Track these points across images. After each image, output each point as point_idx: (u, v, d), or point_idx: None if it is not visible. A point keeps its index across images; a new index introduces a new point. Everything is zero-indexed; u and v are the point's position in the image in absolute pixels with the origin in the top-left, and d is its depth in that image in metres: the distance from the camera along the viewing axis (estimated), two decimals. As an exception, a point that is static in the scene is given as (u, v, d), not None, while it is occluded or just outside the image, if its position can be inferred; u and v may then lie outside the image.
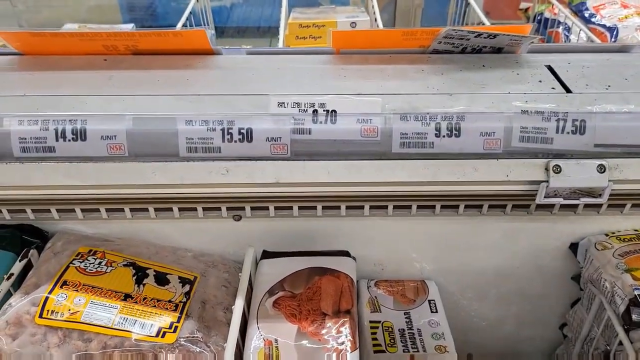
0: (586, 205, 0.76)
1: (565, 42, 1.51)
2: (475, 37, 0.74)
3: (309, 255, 0.75)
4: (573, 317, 0.87)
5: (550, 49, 0.80)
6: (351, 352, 0.63)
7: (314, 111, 0.64)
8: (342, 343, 0.64)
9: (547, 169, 0.65)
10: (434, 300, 0.81)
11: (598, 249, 0.77)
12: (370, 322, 0.77)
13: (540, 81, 0.70)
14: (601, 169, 0.64)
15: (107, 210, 0.75)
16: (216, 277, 0.74)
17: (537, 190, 0.67)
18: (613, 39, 1.43)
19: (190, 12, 1.35)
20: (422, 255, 0.83)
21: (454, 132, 0.64)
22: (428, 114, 0.64)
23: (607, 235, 0.80)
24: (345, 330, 0.65)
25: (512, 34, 0.75)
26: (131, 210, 0.75)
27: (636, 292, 0.70)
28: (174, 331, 0.63)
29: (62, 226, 0.77)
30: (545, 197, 0.67)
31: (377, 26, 1.40)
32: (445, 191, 0.69)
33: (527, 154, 0.65)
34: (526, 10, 1.78)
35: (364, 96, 0.65)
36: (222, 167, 0.64)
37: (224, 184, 0.65)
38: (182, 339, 0.63)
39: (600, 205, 0.76)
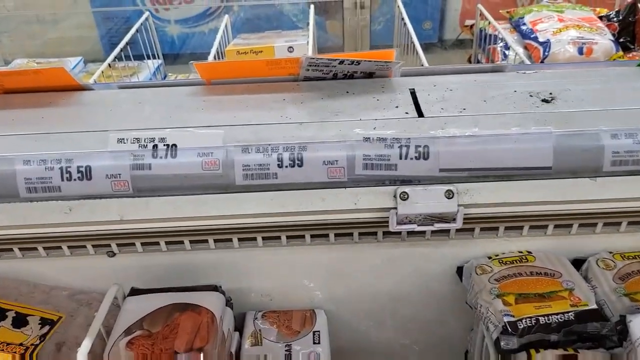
0: (463, 230, 0.74)
1: (502, 59, 1.51)
2: (339, 64, 0.74)
3: (177, 291, 0.74)
4: (470, 343, 0.84)
5: (421, 72, 0.79)
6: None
7: (154, 146, 0.63)
8: (191, 382, 0.62)
9: (395, 196, 0.64)
10: (318, 331, 0.79)
11: (478, 273, 0.76)
12: (247, 356, 0.75)
13: (397, 107, 0.69)
14: (449, 194, 0.63)
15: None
16: (86, 316, 0.73)
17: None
18: (545, 54, 1.42)
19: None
20: (308, 284, 0.81)
21: (297, 162, 0.63)
22: (270, 144, 0.63)
23: (489, 257, 0.78)
24: (197, 368, 0.63)
25: (376, 60, 0.74)
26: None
27: (505, 319, 0.68)
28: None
29: None
30: (398, 224, 0.65)
31: (309, 51, 1.40)
32: (298, 221, 0.68)
33: (374, 180, 0.64)
34: (471, 27, 1.78)
35: (207, 129, 0.65)
36: (64, 206, 0.64)
37: (68, 223, 0.64)
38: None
39: (469, 230, 0.74)
